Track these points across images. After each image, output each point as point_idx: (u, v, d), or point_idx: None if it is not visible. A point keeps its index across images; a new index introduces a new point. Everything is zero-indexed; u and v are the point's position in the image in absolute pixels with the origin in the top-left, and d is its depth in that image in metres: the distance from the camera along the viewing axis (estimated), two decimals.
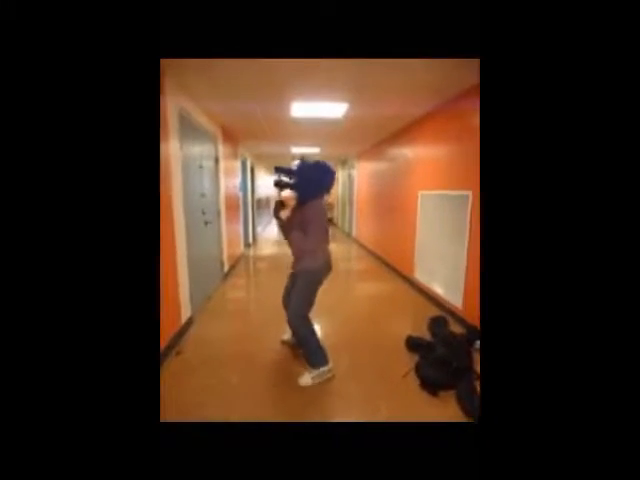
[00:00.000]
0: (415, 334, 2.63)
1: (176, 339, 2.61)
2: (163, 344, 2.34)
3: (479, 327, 2.58)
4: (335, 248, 6.69)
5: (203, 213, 3.47)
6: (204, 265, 3.54)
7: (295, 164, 2.06)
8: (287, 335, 2.63)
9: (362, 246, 7.25)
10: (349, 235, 8.87)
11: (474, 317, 2.75)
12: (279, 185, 2.06)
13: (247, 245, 6.93)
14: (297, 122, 4.08)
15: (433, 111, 3.48)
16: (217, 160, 4.05)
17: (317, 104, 3.33)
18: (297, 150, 6.63)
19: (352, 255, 6.61)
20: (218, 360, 2.38)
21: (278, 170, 2.05)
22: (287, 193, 2.07)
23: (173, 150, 2.59)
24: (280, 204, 2.15)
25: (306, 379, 2.10)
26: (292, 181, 2.03)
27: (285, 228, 2.16)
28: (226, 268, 4.57)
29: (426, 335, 2.70)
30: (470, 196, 2.78)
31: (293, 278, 2.30)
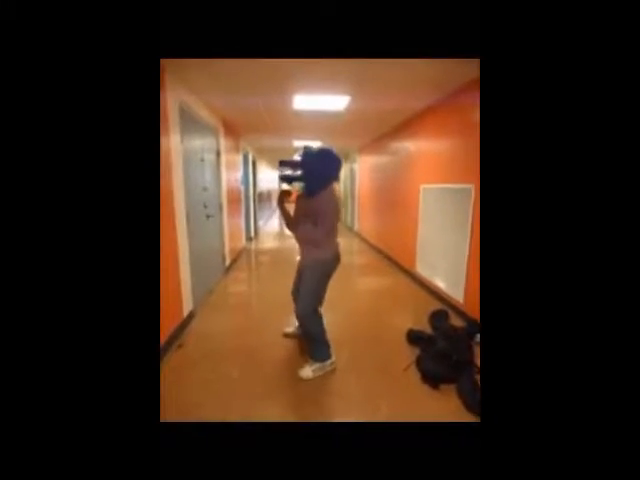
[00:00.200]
0: (416, 327, 2.65)
1: (178, 332, 2.64)
2: (164, 338, 2.37)
3: (480, 321, 2.60)
4: None
5: (205, 207, 3.48)
6: (206, 259, 3.56)
7: (298, 155, 1.98)
8: (291, 328, 2.65)
9: (364, 240, 7.26)
10: (351, 229, 8.87)
11: (475, 311, 2.76)
12: (285, 179, 2.00)
13: (249, 239, 6.95)
14: (299, 115, 4.06)
15: (434, 105, 3.46)
16: (219, 153, 4.04)
17: (319, 97, 3.32)
18: (299, 144, 6.60)
19: (354, 249, 6.62)
20: (219, 354, 2.41)
21: (283, 164, 2.00)
22: (295, 186, 1.99)
23: (174, 144, 2.59)
24: (284, 194, 2.14)
25: (307, 372, 2.11)
26: (298, 174, 1.95)
27: (289, 218, 2.15)
28: (228, 262, 4.60)
29: (427, 329, 2.72)
30: (472, 189, 2.77)
31: (300, 270, 2.24)
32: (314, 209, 1.95)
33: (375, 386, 2.04)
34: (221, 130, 4.22)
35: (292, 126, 4.88)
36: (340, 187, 10.43)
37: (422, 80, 2.74)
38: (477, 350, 2.34)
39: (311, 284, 2.07)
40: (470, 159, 2.78)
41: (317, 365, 2.13)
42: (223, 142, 4.30)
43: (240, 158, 5.74)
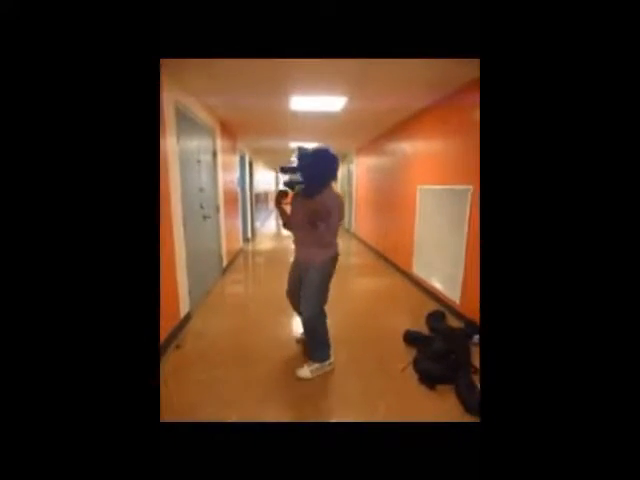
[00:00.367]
0: (413, 328, 2.65)
1: (175, 333, 2.62)
2: (162, 339, 2.35)
3: (477, 321, 2.61)
4: None
5: (201, 207, 3.47)
6: (203, 260, 3.54)
7: (294, 158, 2.00)
8: (299, 333, 2.57)
9: (361, 241, 7.27)
10: (348, 230, 8.88)
11: (471, 312, 2.77)
12: (289, 185, 2.03)
13: (246, 240, 6.94)
14: (296, 116, 4.06)
15: (432, 105, 3.47)
16: (215, 154, 4.03)
17: (316, 98, 3.33)
18: (296, 145, 6.60)
19: (351, 250, 6.62)
20: (217, 354, 2.40)
21: (283, 170, 2.01)
22: (295, 187, 2.03)
23: (170, 145, 2.58)
24: (281, 195, 2.15)
25: (305, 372, 2.11)
26: (299, 178, 1.96)
27: (288, 218, 2.17)
28: (225, 263, 4.58)
29: (424, 329, 2.73)
30: (470, 190, 2.78)
31: (299, 271, 2.19)
32: (318, 210, 1.92)
33: (373, 386, 2.04)
34: (218, 131, 4.21)
35: (289, 127, 4.87)
36: (337, 188, 10.44)
37: (420, 80, 2.75)
38: (474, 351, 2.35)
39: (317, 284, 2.06)
40: (469, 160, 2.79)
41: (316, 365, 2.14)
42: (220, 143, 4.29)
43: (237, 159, 5.72)
